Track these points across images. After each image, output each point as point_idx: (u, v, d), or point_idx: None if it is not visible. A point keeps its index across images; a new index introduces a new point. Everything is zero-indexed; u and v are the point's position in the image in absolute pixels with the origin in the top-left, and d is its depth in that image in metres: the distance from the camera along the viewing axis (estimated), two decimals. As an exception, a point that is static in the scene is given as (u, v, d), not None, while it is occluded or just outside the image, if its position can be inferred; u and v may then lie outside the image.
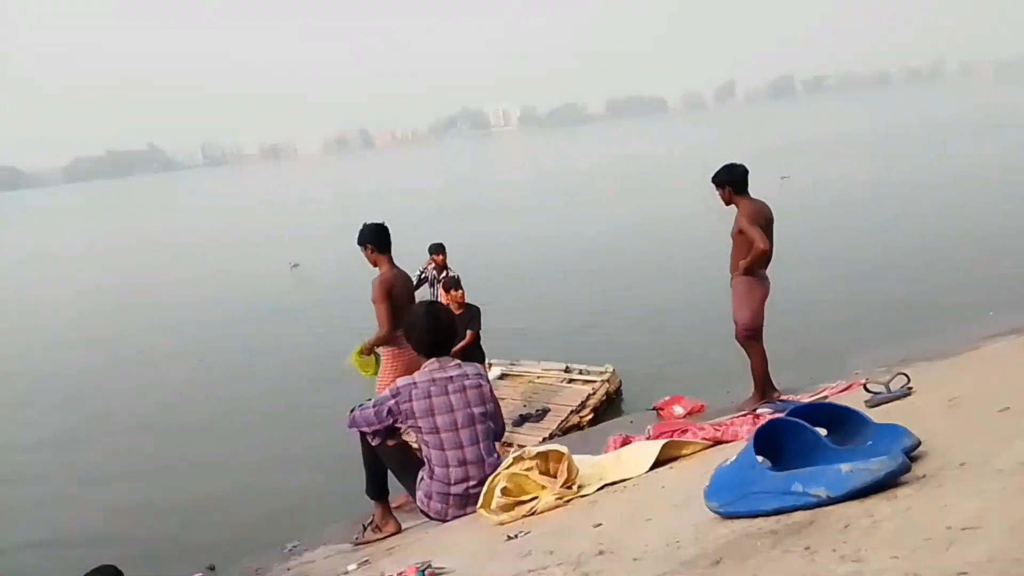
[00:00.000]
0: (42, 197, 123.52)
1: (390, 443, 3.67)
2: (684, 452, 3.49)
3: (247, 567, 4.84)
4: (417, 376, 3.53)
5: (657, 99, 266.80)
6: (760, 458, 2.14)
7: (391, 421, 3.53)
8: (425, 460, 3.55)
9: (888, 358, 6.53)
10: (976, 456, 2.06)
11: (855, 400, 3.41)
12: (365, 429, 3.60)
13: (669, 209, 21.13)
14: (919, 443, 2.19)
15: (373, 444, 3.65)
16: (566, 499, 3.14)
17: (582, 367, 7.52)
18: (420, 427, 3.46)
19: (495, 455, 3.56)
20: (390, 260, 5.07)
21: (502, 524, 3.06)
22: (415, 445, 3.85)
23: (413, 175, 55.22)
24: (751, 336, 5.39)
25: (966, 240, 12.27)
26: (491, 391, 3.64)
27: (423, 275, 8.77)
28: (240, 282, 17.43)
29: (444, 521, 3.55)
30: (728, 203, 5.41)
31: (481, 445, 3.50)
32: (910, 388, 3.48)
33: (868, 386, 3.55)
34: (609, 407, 7.02)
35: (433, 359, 3.57)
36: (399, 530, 3.92)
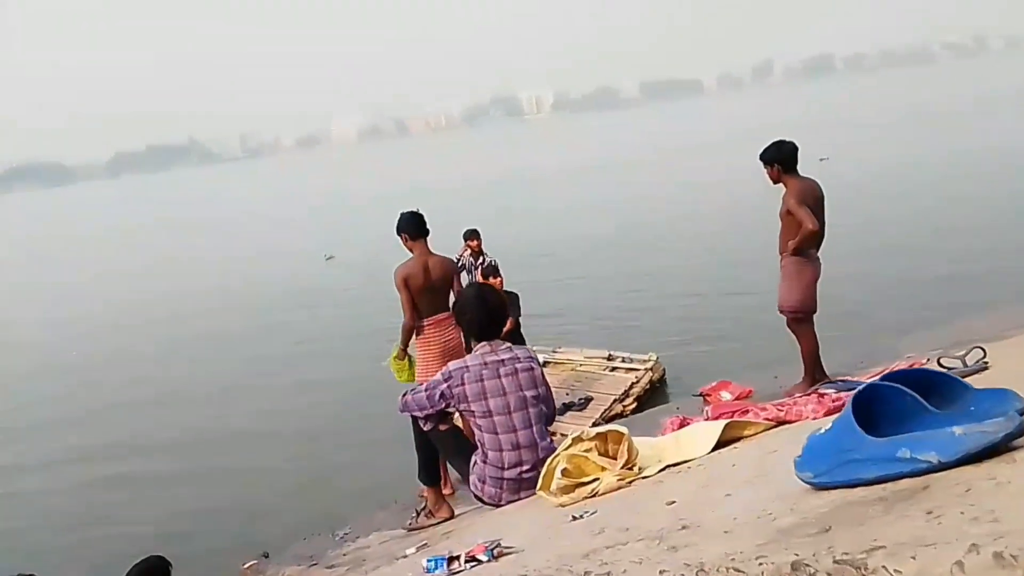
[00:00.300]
0: (89, 191, 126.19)
1: (442, 427, 3.68)
2: (746, 433, 3.42)
3: (300, 554, 4.93)
4: (469, 359, 3.53)
5: (693, 80, 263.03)
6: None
7: (443, 405, 3.53)
8: (478, 444, 3.54)
9: (939, 340, 6.39)
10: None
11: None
12: (417, 413, 3.61)
13: (706, 192, 20.88)
14: None
15: (425, 429, 3.66)
16: (628, 480, 3.08)
17: (625, 355, 7.46)
18: (473, 411, 3.46)
19: (548, 439, 3.55)
20: (425, 247, 5.08)
21: (563, 506, 3.03)
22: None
23: (446, 164, 55.23)
24: (801, 319, 5.30)
25: (1013, 221, 11.92)
26: (543, 374, 3.62)
27: (459, 262, 8.78)
28: (276, 273, 17.65)
29: (498, 506, 3.55)
30: (776, 182, 5.28)
31: (534, 429, 3.48)
32: (986, 362, 3.38)
33: (942, 361, 3.46)
34: (653, 396, 6.97)
35: (484, 342, 3.56)
36: (452, 515, 3.94)
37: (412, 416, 3.67)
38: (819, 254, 5.31)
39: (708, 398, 5.90)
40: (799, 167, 5.27)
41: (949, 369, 3.33)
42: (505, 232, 15.10)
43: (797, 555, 1.54)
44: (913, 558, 1.36)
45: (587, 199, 23.39)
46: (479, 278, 8.32)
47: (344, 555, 4.37)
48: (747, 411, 3.72)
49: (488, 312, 3.58)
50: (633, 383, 6.91)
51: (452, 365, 3.54)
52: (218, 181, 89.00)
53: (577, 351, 7.73)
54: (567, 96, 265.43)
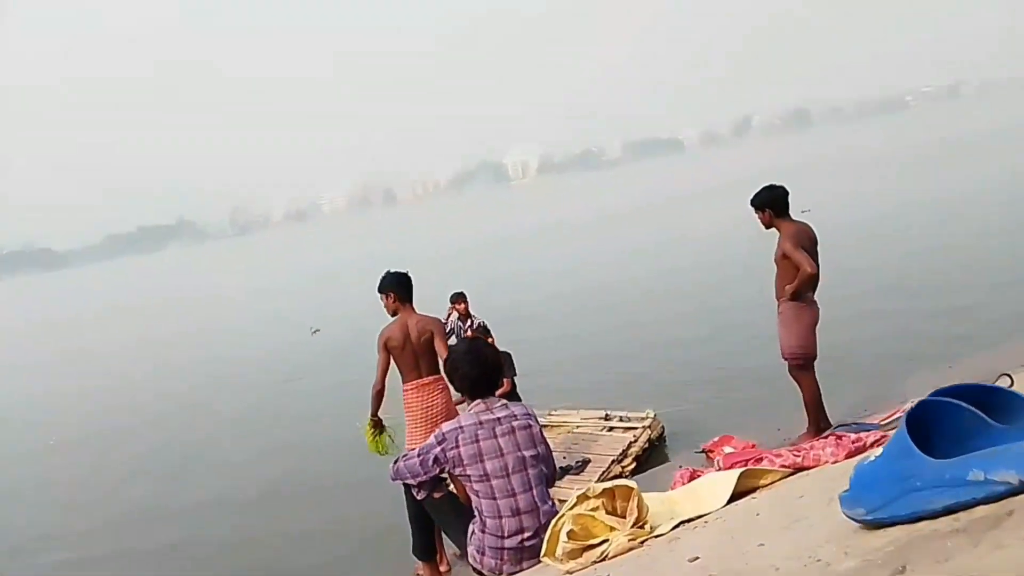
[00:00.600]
0: (79, 275, 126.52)
1: (437, 495, 3.49)
2: (763, 482, 3.23)
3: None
4: (463, 418, 3.34)
5: (674, 139, 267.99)
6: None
7: (438, 470, 3.34)
8: (476, 511, 3.34)
9: (942, 381, 6.23)
10: None
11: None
12: (410, 481, 3.41)
13: (690, 245, 20.99)
14: None
15: (419, 497, 3.47)
16: (640, 540, 2.84)
17: (622, 413, 7.31)
18: (468, 475, 3.26)
19: (549, 502, 3.35)
20: (411, 309, 4.97)
21: (570, 573, 2.80)
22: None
23: (433, 231, 55.66)
24: (801, 365, 5.18)
25: (998, 263, 11.93)
26: (541, 432, 3.43)
27: (447, 326, 8.67)
28: (261, 350, 17.72)
29: (499, 578, 3.33)
30: (768, 226, 5.23)
31: (534, 491, 3.28)
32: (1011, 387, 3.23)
33: None
34: (652, 454, 6.80)
35: (478, 400, 3.37)
36: (449, 591, 3.72)
37: (404, 484, 3.48)
38: (815, 297, 5.23)
39: (710, 454, 5.71)
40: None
41: None
42: (492, 295, 15.07)
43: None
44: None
45: (572, 258, 23.54)
46: (470, 340, 8.22)
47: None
48: (761, 458, 3.53)
49: (482, 367, 3.39)
50: (631, 442, 6.74)
51: (445, 426, 3.35)
52: (207, 259, 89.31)
53: (573, 412, 7.57)
54: (551, 159, 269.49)
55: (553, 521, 3.08)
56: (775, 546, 2.07)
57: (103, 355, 22.26)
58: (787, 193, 5.24)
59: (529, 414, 3.41)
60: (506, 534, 3.27)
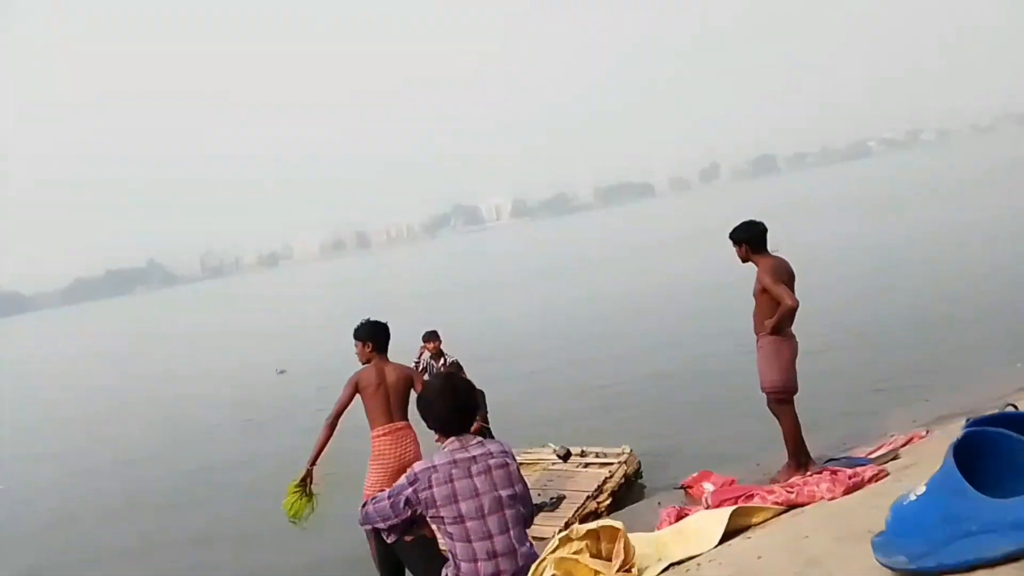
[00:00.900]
0: (43, 319, 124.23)
1: (408, 539, 3.29)
2: (755, 520, 3.09)
3: None
4: (436, 458, 3.13)
5: (644, 184, 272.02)
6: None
7: (409, 513, 3.12)
8: (450, 555, 3.14)
9: (921, 416, 6.24)
10: None
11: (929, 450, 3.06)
12: (380, 525, 3.20)
13: (663, 283, 21.10)
14: None
15: (389, 541, 3.27)
16: None
17: (598, 449, 7.17)
18: (442, 516, 3.05)
19: (527, 543, 3.14)
20: (386, 359, 4.87)
21: None
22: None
23: (406, 275, 55.54)
24: (782, 399, 5.09)
25: (962, 300, 12.06)
26: (518, 471, 3.24)
27: (420, 365, 8.53)
28: (228, 389, 17.44)
29: (474, 627, 3.12)
30: (745, 260, 5.21)
31: (512, 533, 3.07)
32: None
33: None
34: (629, 490, 6.64)
35: (452, 438, 3.17)
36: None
37: (374, 529, 3.27)
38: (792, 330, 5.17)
39: (690, 490, 5.59)
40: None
41: None
42: (466, 335, 14.94)
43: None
44: None
45: (545, 300, 23.54)
46: (443, 379, 8.06)
47: None
48: (752, 495, 3.39)
49: (457, 403, 3.20)
50: (607, 478, 6.58)
51: (417, 466, 3.14)
52: (177, 303, 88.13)
53: (548, 449, 7.39)
54: (525, 203, 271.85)
55: (534, 566, 2.91)
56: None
57: (59, 401, 21.70)
58: (765, 229, 5.24)
59: (506, 451, 3.22)
60: (482, 579, 3.07)
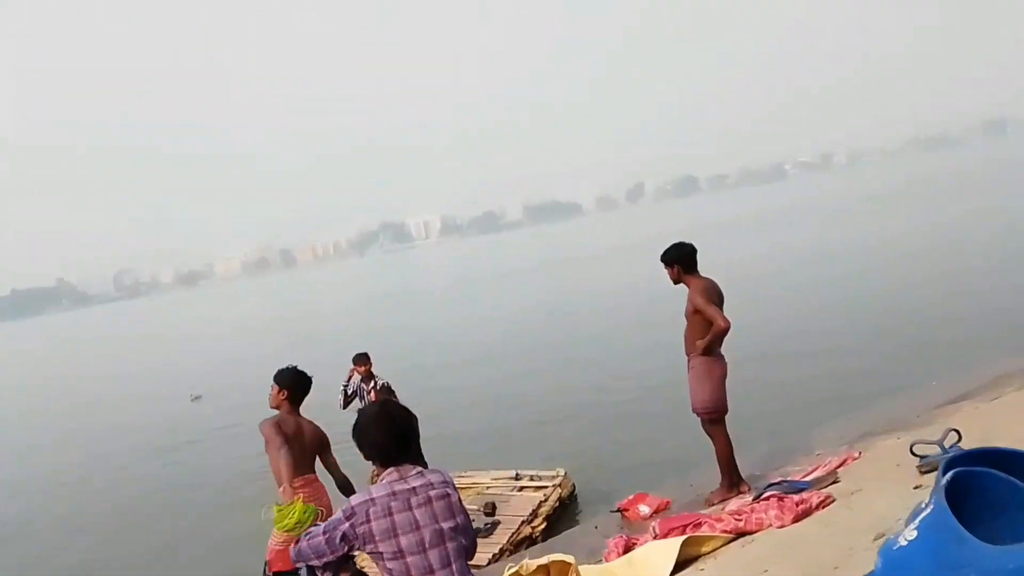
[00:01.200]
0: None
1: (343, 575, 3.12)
2: (705, 549, 3.05)
3: None
4: (374, 490, 2.95)
5: (572, 203, 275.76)
6: None
7: (345, 549, 2.95)
8: (387, 593, 2.98)
9: (846, 433, 6.37)
10: None
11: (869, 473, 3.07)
12: (315, 562, 3.01)
13: (589, 305, 21.28)
14: None
15: (322, 579, 3.09)
16: None
17: (533, 472, 7.10)
18: (381, 552, 2.88)
19: None
20: (297, 411, 4.65)
21: None
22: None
23: (331, 294, 54.54)
24: (714, 420, 5.12)
25: (878, 313, 12.54)
26: (460, 501, 3.11)
27: (349, 388, 8.30)
28: (139, 416, 16.85)
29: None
30: (676, 282, 5.24)
31: (454, 567, 2.93)
32: (961, 447, 3.18)
33: (915, 449, 3.19)
34: (563, 513, 6.59)
35: (391, 468, 2.99)
36: None
37: (308, 567, 3.08)
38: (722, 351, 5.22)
39: (626, 513, 5.56)
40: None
41: (923, 457, 3.08)
42: (393, 356, 14.71)
43: None
44: None
45: (473, 318, 23.47)
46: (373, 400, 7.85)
47: None
48: (700, 523, 3.36)
49: (395, 431, 3.03)
50: (541, 502, 6.52)
51: (354, 500, 2.95)
52: (88, 325, 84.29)
53: (484, 472, 7.28)
54: (454, 221, 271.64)
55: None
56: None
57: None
58: (695, 250, 5.29)
59: (447, 481, 3.08)
60: (424, 615, 2.93)
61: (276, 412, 4.60)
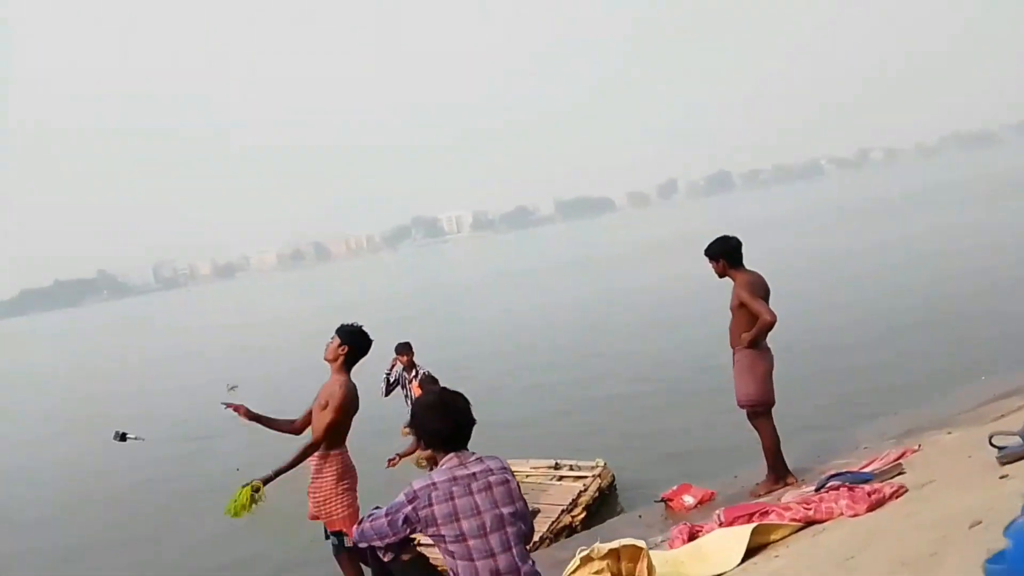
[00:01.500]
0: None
1: (405, 557, 3.20)
2: (773, 537, 3.07)
3: None
4: (435, 475, 3.06)
5: (604, 199, 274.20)
6: None
7: (407, 531, 3.06)
8: (451, 574, 3.06)
9: (888, 429, 6.35)
10: None
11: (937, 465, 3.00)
12: (377, 543, 3.11)
13: (637, 297, 21.24)
14: None
15: (385, 560, 3.19)
16: None
17: (572, 462, 7.14)
18: (443, 535, 2.98)
19: (530, 562, 3.09)
20: (348, 373, 4.65)
21: None
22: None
23: (367, 286, 54.96)
24: (760, 412, 5.15)
25: (921, 312, 12.36)
26: (518, 488, 3.18)
27: (391, 377, 8.42)
28: (176, 406, 17.07)
29: (475, 651, 3.04)
30: (722, 275, 5.27)
31: (514, 551, 3.01)
32: None
33: (994, 440, 3.17)
34: (603, 504, 6.63)
35: (451, 454, 3.10)
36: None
37: (371, 547, 3.18)
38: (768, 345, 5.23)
39: (670, 503, 5.60)
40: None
41: (1002, 448, 3.04)
42: (433, 347, 14.85)
43: None
44: None
45: (507, 311, 23.51)
46: (415, 390, 7.95)
47: None
48: (768, 512, 3.34)
49: (454, 418, 3.14)
50: (581, 492, 6.56)
51: (416, 483, 3.07)
52: (128, 315, 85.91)
53: (523, 462, 7.35)
54: (486, 216, 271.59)
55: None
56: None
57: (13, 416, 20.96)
58: (740, 244, 5.30)
59: (505, 468, 3.16)
60: (484, 600, 3.01)
61: (347, 377, 4.59)
